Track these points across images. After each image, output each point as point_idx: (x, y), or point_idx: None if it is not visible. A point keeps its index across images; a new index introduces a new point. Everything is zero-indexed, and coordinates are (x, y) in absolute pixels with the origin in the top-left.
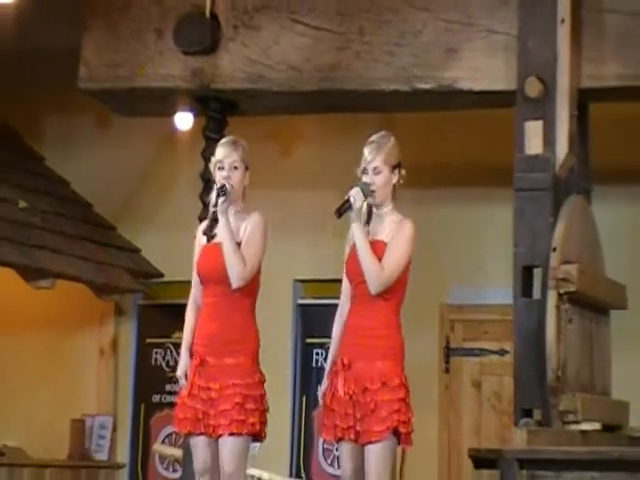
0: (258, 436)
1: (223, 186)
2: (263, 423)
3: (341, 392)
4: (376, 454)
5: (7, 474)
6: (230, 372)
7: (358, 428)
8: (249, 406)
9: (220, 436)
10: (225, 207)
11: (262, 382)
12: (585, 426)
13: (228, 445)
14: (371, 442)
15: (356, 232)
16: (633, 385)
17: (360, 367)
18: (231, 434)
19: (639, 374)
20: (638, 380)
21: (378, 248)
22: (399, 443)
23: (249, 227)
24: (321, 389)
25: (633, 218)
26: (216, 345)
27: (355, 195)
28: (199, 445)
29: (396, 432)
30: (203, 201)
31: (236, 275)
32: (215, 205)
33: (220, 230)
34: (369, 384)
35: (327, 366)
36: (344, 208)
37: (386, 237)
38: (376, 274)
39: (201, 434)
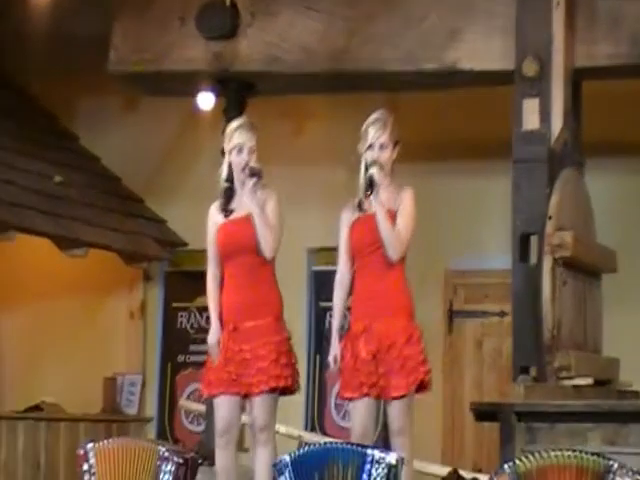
0: (291, 388)
1: (260, 170)
2: (294, 376)
3: (364, 353)
4: (402, 405)
5: (45, 428)
6: (261, 332)
7: (382, 383)
8: (282, 361)
9: (255, 393)
10: (254, 189)
11: (289, 339)
12: (578, 381)
13: (262, 401)
14: (397, 395)
15: (377, 206)
16: (623, 343)
17: (380, 327)
18: (268, 390)
19: (628, 333)
20: (627, 338)
21: (389, 217)
22: (418, 391)
23: (268, 204)
24: (331, 355)
25: (623, 189)
26: (246, 310)
27: (375, 173)
28: (225, 406)
29: (422, 383)
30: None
31: (270, 245)
32: (227, 181)
33: (251, 207)
34: (394, 340)
35: (334, 332)
36: (373, 187)
37: (393, 205)
38: (397, 243)
39: (233, 394)
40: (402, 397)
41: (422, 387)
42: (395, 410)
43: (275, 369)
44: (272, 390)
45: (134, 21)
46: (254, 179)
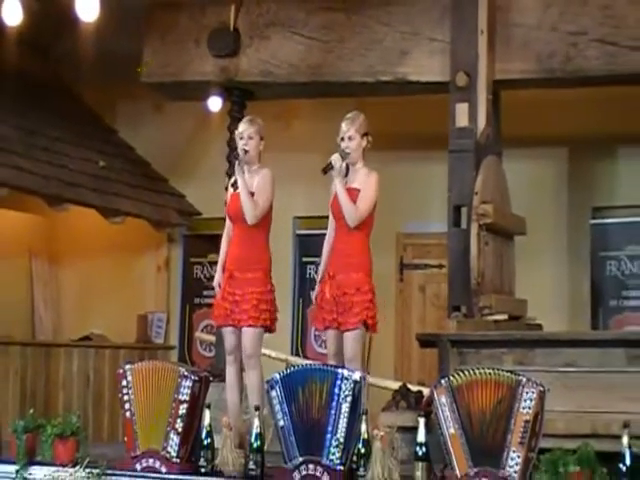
0: (269, 329)
1: (238, 154)
2: (273, 320)
3: (328, 295)
4: (351, 338)
5: (94, 353)
6: (249, 283)
7: (339, 320)
8: (262, 307)
9: (242, 327)
10: (240, 168)
11: (272, 291)
12: (497, 317)
13: (248, 334)
14: (348, 330)
15: (337, 184)
16: (529, 288)
17: (341, 278)
18: (249, 326)
19: (534, 280)
20: (533, 284)
21: (353, 193)
22: (367, 330)
23: (260, 180)
24: (314, 293)
25: (531, 171)
26: (240, 264)
27: (335, 158)
28: (227, 333)
29: (365, 323)
30: (229, 161)
31: (249, 215)
32: (238, 163)
33: (239, 180)
34: (347, 289)
35: (319, 276)
36: (328, 168)
37: (359, 185)
38: (352, 213)
39: (229, 325)
40: (352, 331)
41: (369, 328)
42: (348, 341)
43: (255, 312)
44: (254, 326)
45: (160, 43)
46: (237, 162)
